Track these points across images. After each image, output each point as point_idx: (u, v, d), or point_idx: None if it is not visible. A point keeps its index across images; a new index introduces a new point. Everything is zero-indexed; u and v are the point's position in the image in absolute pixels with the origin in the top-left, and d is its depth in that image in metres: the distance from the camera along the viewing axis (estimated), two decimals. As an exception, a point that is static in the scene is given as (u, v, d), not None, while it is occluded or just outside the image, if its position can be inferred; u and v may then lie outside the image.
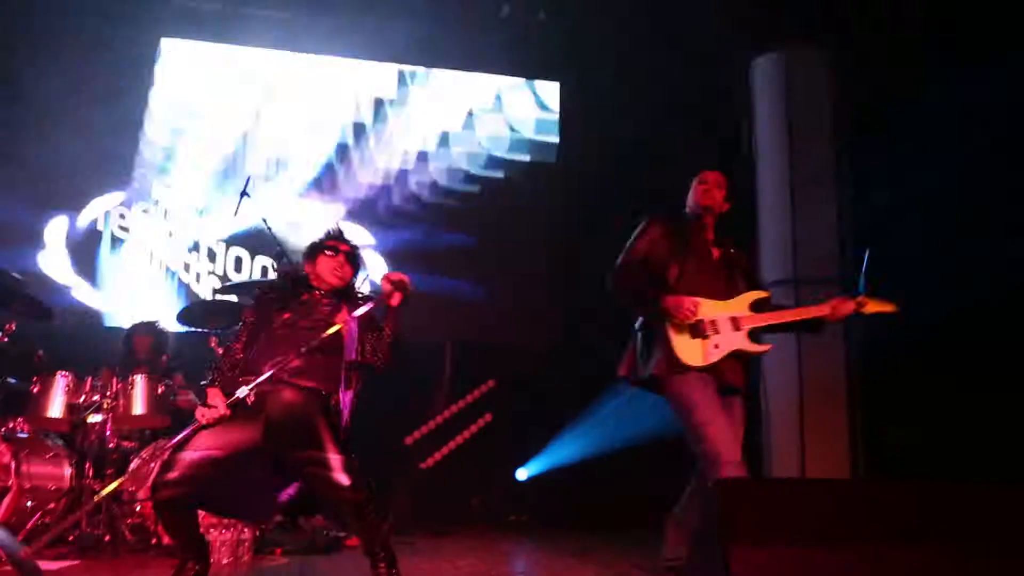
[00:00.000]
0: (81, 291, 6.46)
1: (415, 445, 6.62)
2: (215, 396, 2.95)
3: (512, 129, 7.32)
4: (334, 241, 3.24)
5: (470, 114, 7.29)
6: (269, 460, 2.96)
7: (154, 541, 4.15)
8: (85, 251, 6.52)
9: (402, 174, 7.02)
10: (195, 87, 6.94)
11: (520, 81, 7.40)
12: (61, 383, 4.51)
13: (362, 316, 3.09)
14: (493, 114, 7.33)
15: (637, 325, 3.45)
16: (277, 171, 6.96)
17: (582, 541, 4.84)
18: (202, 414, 2.90)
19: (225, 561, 3.89)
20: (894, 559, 1.15)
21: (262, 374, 2.93)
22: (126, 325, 6.05)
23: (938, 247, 5.39)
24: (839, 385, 5.77)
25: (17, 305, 4.76)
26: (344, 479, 2.78)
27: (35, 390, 4.50)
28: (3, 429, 4.44)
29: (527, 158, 7.26)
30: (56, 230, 6.51)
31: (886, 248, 5.64)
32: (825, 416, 5.67)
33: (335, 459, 2.80)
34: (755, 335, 3.31)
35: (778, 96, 6.23)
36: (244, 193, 4.94)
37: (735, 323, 3.28)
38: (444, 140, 7.19)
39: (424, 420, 6.66)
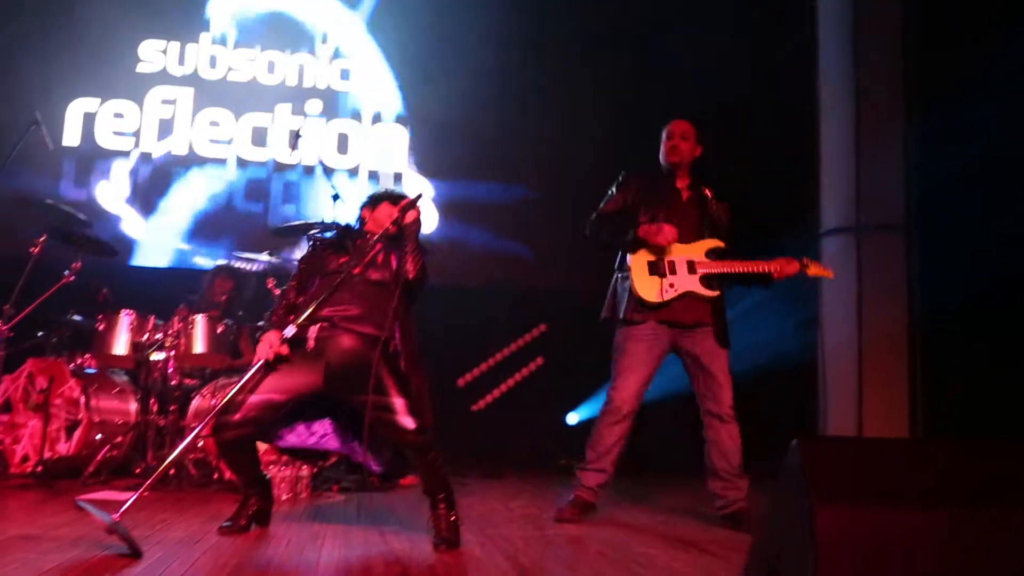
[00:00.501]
0: (130, 223, 6.50)
1: (467, 387, 6.69)
2: (272, 335, 3.02)
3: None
4: (397, 195, 3.32)
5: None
6: (330, 403, 3.03)
7: (216, 476, 4.28)
8: (148, 184, 6.58)
9: (454, 125, 6.90)
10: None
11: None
12: (125, 321, 4.62)
13: (398, 249, 3.15)
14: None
15: (616, 267, 3.73)
16: (327, 118, 6.92)
17: (635, 487, 4.86)
18: (258, 357, 2.97)
19: (284, 497, 4.00)
20: (987, 521, 1.12)
21: (317, 318, 2.99)
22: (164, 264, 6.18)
23: (1007, 200, 5.19)
24: (900, 338, 5.64)
25: (83, 243, 4.87)
26: (409, 422, 2.83)
27: (100, 327, 4.62)
28: (72, 365, 4.58)
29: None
30: (120, 163, 6.55)
31: (954, 198, 5.50)
32: (885, 370, 5.56)
33: (399, 403, 2.85)
34: (708, 280, 3.57)
35: (844, 27, 5.98)
36: (298, 135, 4.96)
37: (691, 266, 3.57)
38: (496, 89, 6.99)
39: (476, 363, 6.72)
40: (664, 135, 3.74)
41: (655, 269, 3.55)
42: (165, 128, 6.64)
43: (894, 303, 5.66)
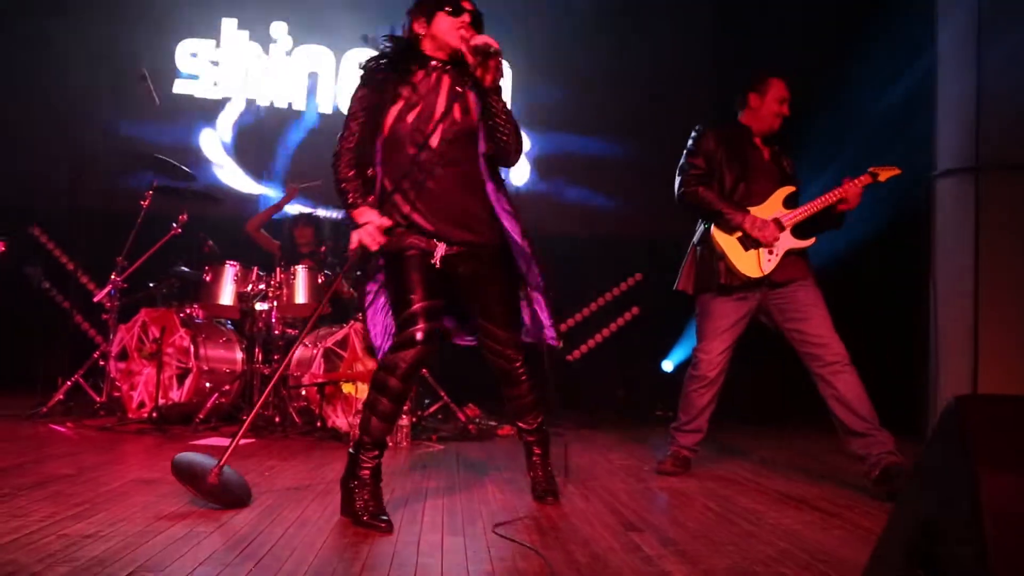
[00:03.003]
0: (225, 171, 6.63)
1: (562, 338, 6.65)
2: (368, 213, 2.49)
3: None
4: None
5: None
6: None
7: (319, 424, 4.38)
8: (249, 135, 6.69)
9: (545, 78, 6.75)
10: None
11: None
12: (230, 272, 4.75)
13: (478, 103, 2.55)
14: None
15: (696, 239, 3.60)
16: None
17: (729, 439, 4.75)
18: (363, 238, 2.45)
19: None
20: None
21: (399, 204, 2.53)
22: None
23: None
24: (1022, 287, 5.27)
25: (188, 196, 5.01)
26: (513, 353, 2.70)
27: (207, 278, 4.75)
28: (181, 314, 4.73)
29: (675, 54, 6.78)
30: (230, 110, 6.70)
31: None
32: (1003, 332, 5.22)
33: (504, 335, 2.68)
34: (799, 230, 3.41)
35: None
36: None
37: (778, 224, 3.40)
38: (588, 43, 6.77)
39: (571, 313, 6.67)
40: (774, 95, 3.55)
41: (748, 243, 3.41)
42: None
43: (1017, 249, 5.28)
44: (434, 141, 2.51)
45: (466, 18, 2.54)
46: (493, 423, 4.88)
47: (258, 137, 6.65)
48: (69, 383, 4.77)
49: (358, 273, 2.80)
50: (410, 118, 2.53)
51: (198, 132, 6.62)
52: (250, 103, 6.71)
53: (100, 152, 5.30)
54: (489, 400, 5.14)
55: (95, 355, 4.88)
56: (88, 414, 4.62)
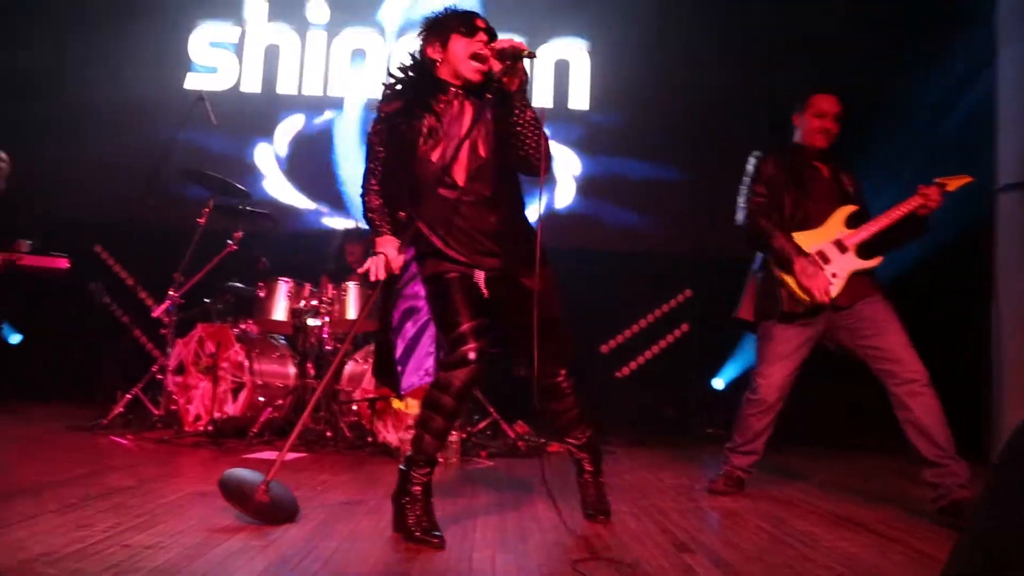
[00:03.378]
0: (280, 187, 6.69)
1: (611, 354, 6.62)
2: (386, 244, 2.55)
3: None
4: (468, 16, 2.55)
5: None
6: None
7: (369, 439, 4.42)
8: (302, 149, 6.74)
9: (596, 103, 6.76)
10: None
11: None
12: (284, 288, 4.83)
13: (499, 127, 2.51)
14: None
15: (756, 266, 3.53)
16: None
17: (790, 460, 4.67)
18: (370, 266, 2.51)
19: (436, 461, 4.07)
20: None
21: (428, 236, 2.54)
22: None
23: None
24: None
25: (244, 213, 5.10)
26: (549, 367, 2.64)
27: (261, 295, 4.84)
28: (236, 330, 4.82)
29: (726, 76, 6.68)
30: (288, 126, 6.75)
31: None
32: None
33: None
34: (864, 250, 3.30)
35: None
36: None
37: (840, 246, 3.31)
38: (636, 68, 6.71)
39: (620, 330, 6.63)
40: (812, 111, 3.47)
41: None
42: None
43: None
44: (460, 179, 2.53)
45: (482, 36, 2.52)
46: (543, 440, 4.87)
47: (314, 151, 6.72)
48: (129, 396, 4.88)
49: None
50: (435, 156, 2.53)
51: (253, 146, 6.71)
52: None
53: (159, 167, 5.40)
54: (538, 417, 5.13)
55: (153, 369, 4.99)
56: (147, 426, 4.73)
